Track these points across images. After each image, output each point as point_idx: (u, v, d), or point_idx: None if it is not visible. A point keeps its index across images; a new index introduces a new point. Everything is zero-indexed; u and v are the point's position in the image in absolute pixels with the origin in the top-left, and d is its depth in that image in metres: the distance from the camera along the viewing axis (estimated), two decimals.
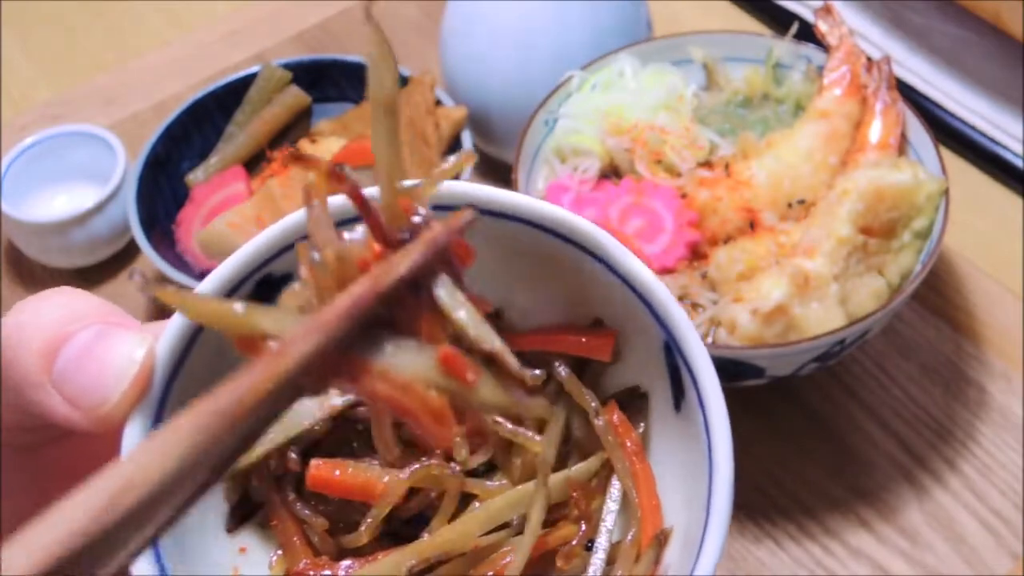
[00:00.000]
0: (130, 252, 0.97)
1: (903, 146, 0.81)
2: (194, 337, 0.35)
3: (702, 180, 0.80)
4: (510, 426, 0.40)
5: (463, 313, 0.28)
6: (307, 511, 0.40)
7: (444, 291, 0.29)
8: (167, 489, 0.24)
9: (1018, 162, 0.97)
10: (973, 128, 1.00)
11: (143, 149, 0.92)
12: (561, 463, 0.41)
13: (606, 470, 0.40)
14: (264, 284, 0.37)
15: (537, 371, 0.40)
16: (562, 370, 0.41)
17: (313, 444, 0.40)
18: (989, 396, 0.83)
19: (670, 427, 0.39)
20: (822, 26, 0.87)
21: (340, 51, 1.10)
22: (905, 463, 0.79)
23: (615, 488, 0.40)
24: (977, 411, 0.82)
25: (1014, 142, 0.98)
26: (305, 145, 0.95)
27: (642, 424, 0.40)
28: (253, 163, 0.96)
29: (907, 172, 0.75)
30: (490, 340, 0.28)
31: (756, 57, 0.89)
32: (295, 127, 0.98)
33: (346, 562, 0.39)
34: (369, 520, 0.39)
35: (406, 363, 0.28)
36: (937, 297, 0.89)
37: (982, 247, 0.92)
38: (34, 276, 0.97)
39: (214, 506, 0.39)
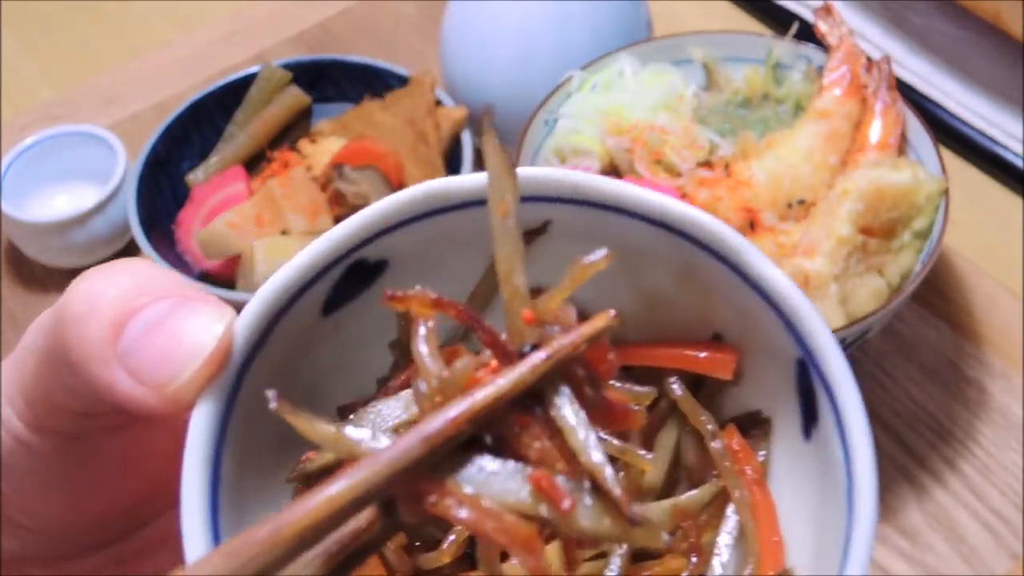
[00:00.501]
0: (130, 252, 0.97)
1: (903, 146, 0.81)
2: (277, 319, 0.32)
3: (702, 180, 0.80)
4: (616, 442, 0.36)
5: (577, 435, 0.27)
6: None
7: (562, 408, 0.27)
8: None
9: (1018, 162, 0.97)
10: (973, 128, 1.00)
11: (143, 149, 0.92)
12: (668, 491, 0.38)
13: (720, 500, 0.37)
14: (356, 270, 0.34)
15: (646, 388, 0.35)
16: (676, 387, 0.37)
17: None
18: (989, 396, 0.83)
19: (797, 457, 0.35)
20: (822, 26, 0.87)
21: (340, 51, 1.10)
22: (905, 463, 0.79)
23: (731, 520, 0.36)
24: (977, 411, 0.82)
25: (1014, 142, 0.98)
26: (305, 145, 0.95)
27: (763, 452, 0.37)
28: (253, 163, 0.96)
29: (907, 172, 0.75)
30: (600, 469, 0.26)
31: (756, 57, 0.89)
32: (295, 127, 0.98)
33: None
34: (452, 538, 0.34)
35: (496, 489, 0.26)
36: (937, 297, 0.89)
37: (982, 247, 0.92)
38: (34, 276, 0.97)
39: (277, 509, 0.38)
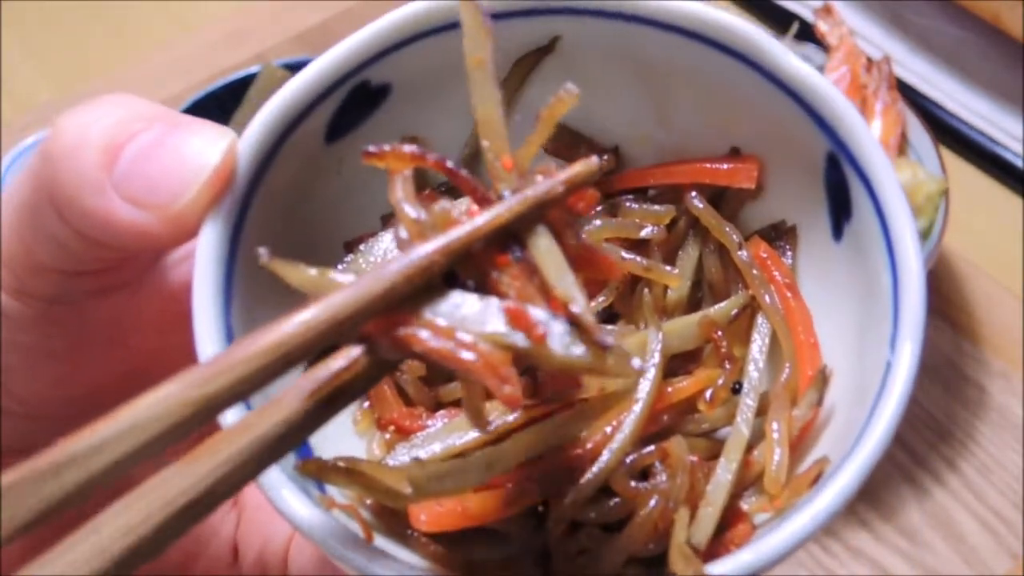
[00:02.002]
0: None
1: (903, 146, 0.81)
2: (281, 140, 0.30)
3: None
4: (641, 260, 0.35)
5: (552, 268, 0.26)
6: None
7: (539, 245, 0.27)
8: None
9: (1018, 162, 0.97)
10: (973, 128, 1.00)
11: None
12: (693, 308, 0.37)
13: (749, 313, 0.35)
14: (359, 92, 0.33)
15: (665, 207, 0.34)
16: (697, 202, 0.36)
17: None
18: (988, 396, 0.83)
19: (827, 258, 0.34)
20: (822, 26, 0.87)
21: None
22: (905, 463, 0.79)
23: (762, 328, 0.35)
24: (977, 411, 0.82)
25: (1014, 142, 0.98)
26: None
27: (789, 259, 0.36)
28: None
29: (907, 172, 0.75)
30: (572, 296, 0.26)
31: None
32: None
33: (443, 413, 0.34)
34: None
35: (471, 321, 0.25)
36: (937, 297, 0.89)
37: (982, 247, 0.92)
38: None
39: None
